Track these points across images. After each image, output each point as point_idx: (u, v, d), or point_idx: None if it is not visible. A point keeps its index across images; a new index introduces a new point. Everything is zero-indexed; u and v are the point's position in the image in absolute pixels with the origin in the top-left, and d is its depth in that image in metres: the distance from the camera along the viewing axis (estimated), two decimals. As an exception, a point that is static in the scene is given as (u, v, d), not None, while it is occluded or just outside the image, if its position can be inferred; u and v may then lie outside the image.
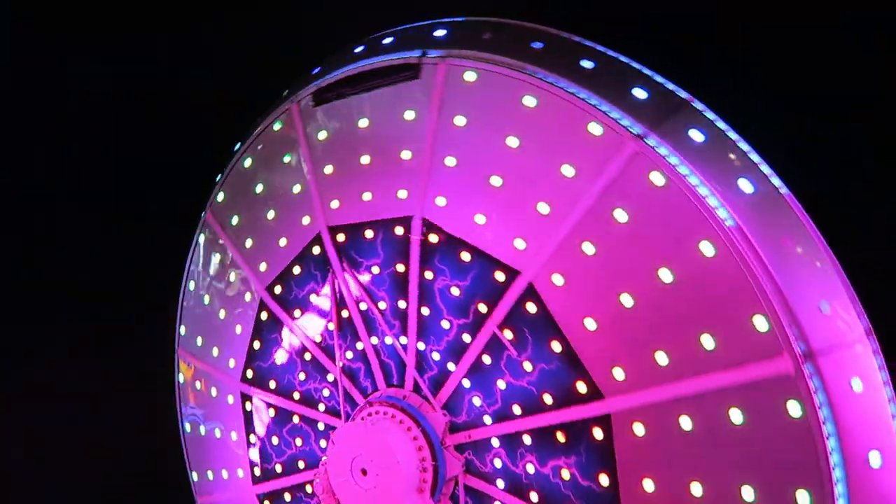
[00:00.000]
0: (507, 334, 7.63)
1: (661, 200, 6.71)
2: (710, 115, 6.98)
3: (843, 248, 6.51)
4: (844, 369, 6.30)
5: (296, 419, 9.55)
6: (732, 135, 6.89)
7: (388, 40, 8.66)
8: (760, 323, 6.31)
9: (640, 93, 7.09)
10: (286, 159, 9.24)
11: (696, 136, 6.85)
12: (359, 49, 8.81)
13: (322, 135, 8.91)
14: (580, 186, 7.09)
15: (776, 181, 6.71)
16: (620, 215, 6.89)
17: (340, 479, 8.17)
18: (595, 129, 6.98)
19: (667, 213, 6.69)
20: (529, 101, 7.36)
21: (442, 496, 8.23)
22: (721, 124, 6.93)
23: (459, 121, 7.80)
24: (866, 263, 6.68)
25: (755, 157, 6.78)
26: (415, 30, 8.54)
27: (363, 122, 8.54)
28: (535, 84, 7.32)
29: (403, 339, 8.43)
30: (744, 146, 6.84)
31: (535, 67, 7.42)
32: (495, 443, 7.95)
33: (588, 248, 7.09)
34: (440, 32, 8.25)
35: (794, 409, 6.21)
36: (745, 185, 6.68)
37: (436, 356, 8.24)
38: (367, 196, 8.55)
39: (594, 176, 7.01)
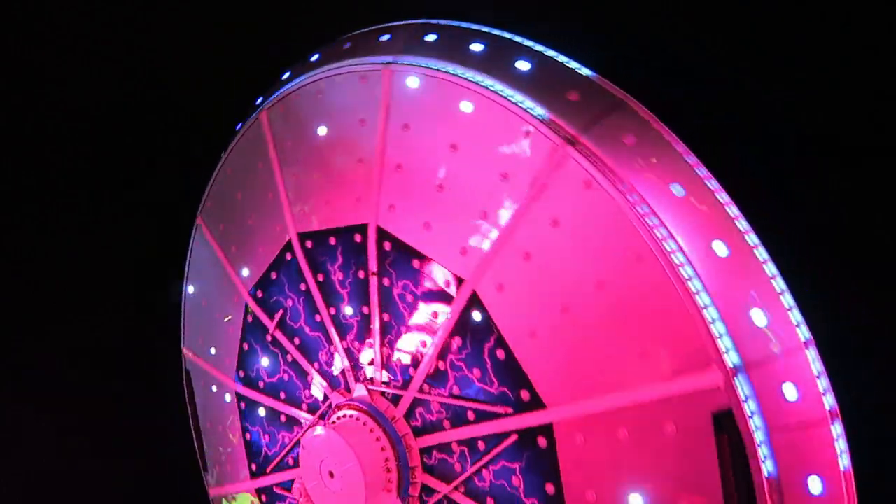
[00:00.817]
0: (458, 341, 7.62)
1: (592, 208, 6.50)
2: (646, 115, 6.65)
3: (781, 251, 6.14)
4: (777, 380, 5.99)
5: (283, 418, 9.84)
6: (669, 136, 6.55)
7: (346, 45, 8.63)
8: (691, 334, 6.07)
9: (573, 94, 6.84)
10: (260, 166, 9.40)
11: (628, 139, 6.56)
12: (314, 58, 8.83)
13: (289, 143, 9.03)
14: (516, 193, 6.95)
15: (711, 184, 6.37)
16: (555, 223, 6.73)
17: (312, 483, 8.41)
18: (528, 133, 6.81)
19: (598, 221, 6.48)
20: (466, 106, 7.23)
21: (410, 497, 8.35)
22: (656, 125, 6.59)
23: (405, 128, 7.74)
24: (804, 268, 6.27)
25: (691, 159, 6.44)
26: (363, 36, 8.48)
27: (322, 130, 8.60)
28: (470, 88, 7.17)
29: (369, 344, 8.53)
30: (679, 147, 6.50)
31: (472, 70, 7.28)
32: (455, 447, 7.97)
33: (526, 257, 6.95)
34: (385, 38, 8.16)
35: (726, 421, 5.98)
36: (678, 189, 6.37)
37: (398, 360, 8.30)
38: (328, 203, 8.64)
39: (528, 183, 6.85)
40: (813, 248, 6.79)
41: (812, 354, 6.04)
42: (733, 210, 6.25)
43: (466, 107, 7.22)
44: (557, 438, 6.97)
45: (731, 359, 5.96)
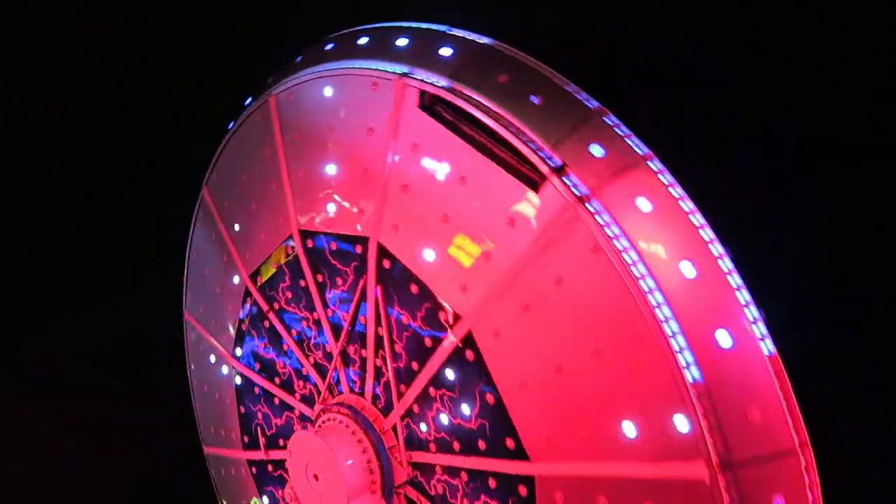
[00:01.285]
0: (450, 374, 7.47)
1: (597, 274, 6.16)
2: (665, 178, 6.19)
3: (787, 345, 5.83)
4: (768, 485, 5.80)
5: (276, 401, 9.89)
6: (686, 205, 6.11)
7: (362, 41, 8.09)
8: (681, 423, 5.85)
9: (597, 150, 6.36)
10: (266, 154, 9.05)
11: (643, 204, 6.14)
12: (328, 47, 8.31)
13: (296, 136, 8.64)
14: (522, 241, 6.61)
15: (724, 264, 5.98)
16: (558, 282, 6.41)
17: (300, 485, 8.51)
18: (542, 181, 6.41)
19: (599, 286, 6.16)
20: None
21: (396, 497, 8.43)
22: (674, 191, 6.15)
23: (414, 148, 7.33)
24: (809, 363, 5.96)
25: (700, 220, 6.05)
26: (380, 34, 7.92)
27: (330, 130, 8.18)
28: (484, 122, 6.71)
29: (362, 353, 8.42)
30: (697, 219, 6.08)
31: (488, 99, 6.79)
32: (438, 470, 7.97)
33: (525, 308, 6.68)
34: (401, 41, 7.61)
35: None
36: (687, 269, 6.00)
37: (389, 375, 8.19)
38: (332, 207, 8.33)
39: (536, 233, 6.50)
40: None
41: (806, 459, 5.81)
42: (744, 296, 5.90)
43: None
44: (538, 492, 6.90)
45: (720, 455, 5.76)
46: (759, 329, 5.90)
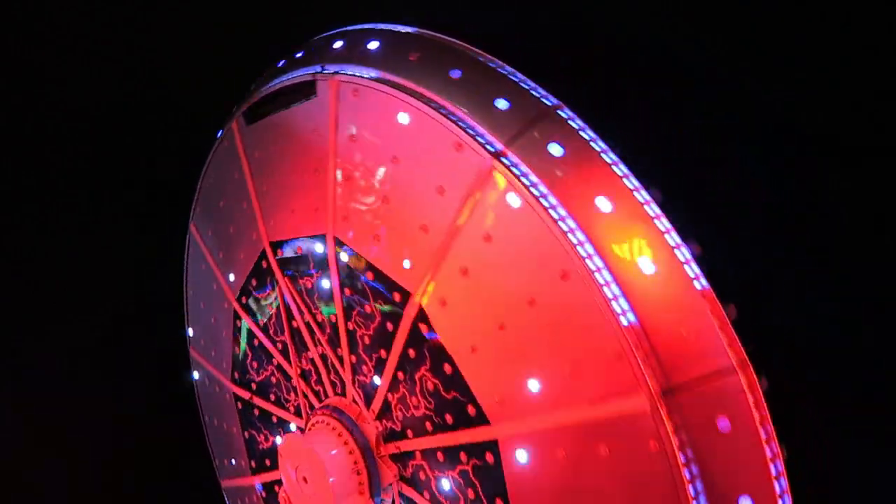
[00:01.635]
0: (412, 353, 7.58)
1: (520, 224, 6.28)
2: (576, 123, 6.33)
3: (714, 267, 5.79)
4: (711, 406, 5.70)
5: (274, 419, 10.08)
6: (597, 146, 6.22)
7: (299, 54, 8.56)
8: (616, 356, 5.84)
9: (502, 103, 6.57)
10: (236, 175, 9.50)
11: (555, 149, 6.28)
12: (280, 64, 8.79)
13: (257, 153, 9.07)
14: (450, 207, 6.79)
15: (640, 195, 6.03)
16: (487, 238, 6.55)
17: (293, 489, 8.61)
18: (458, 146, 6.61)
19: (525, 238, 6.27)
20: (403, 117, 7.07)
21: (383, 501, 8.44)
22: (585, 134, 6.27)
23: (352, 139, 7.65)
24: (740, 281, 5.88)
25: (620, 170, 6.12)
26: (319, 42, 8.37)
27: (282, 139, 8.60)
28: (404, 100, 7.00)
29: (339, 352, 8.59)
30: (608, 158, 6.18)
31: (407, 80, 7.10)
32: (418, 456, 7.99)
33: (463, 272, 6.81)
34: (338, 44, 8.03)
35: (655, 448, 5.76)
36: (604, 204, 6.07)
37: (364, 370, 8.34)
38: (293, 212, 8.66)
39: (461, 197, 6.67)
40: (743, 258, 6.38)
41: (748, 377, 5.70)
42: (663, 223, 5.92)
43: (403, 118, 7.05)
44: (502, 455, 6.88)
45: (659, 383, 5.70)
46: (683, 253, 5.89)
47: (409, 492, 8.20)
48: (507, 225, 6.37)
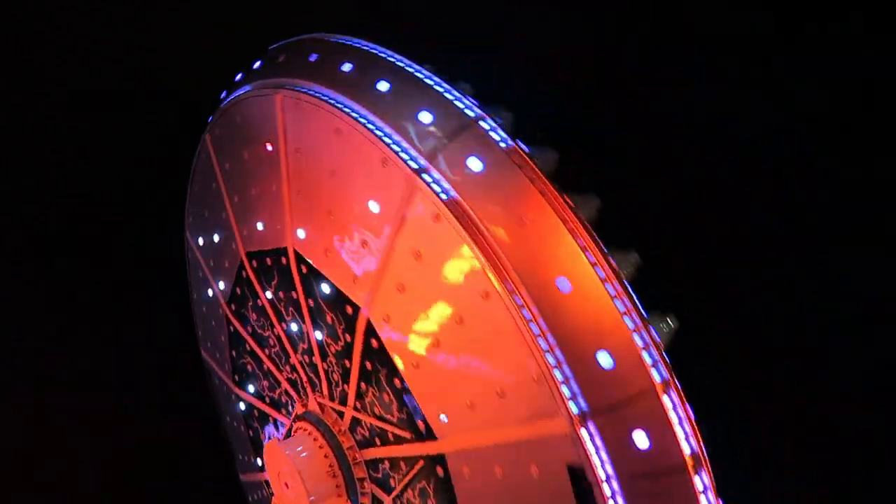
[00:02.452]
0: (369, 366, 7.58)
1: (443, 242, 6.14)
2: (497, 135, 6.09)
3: (637, 285, 5.52)
4: (629, 426, 5.48)
5: (271, 420, 10.31)
6: (517, 159, 5.98)
7: (256, 65, 8.53)
8: (538, 379, 5.68)
9: (426, 116, 6.38)
10: (214, 186, 9.63)
11: (474, 164, 6.07)
12: (238, 77, 8.80)
13: (228, 165, 9.16)
14: (384, 224, 6.70)
15: (561, 212, 5.77)
16: (417, 256, 6.44)
17: (279, 493, 8.83)
18: (384, 161, 6.50)
19: (449, 257, 6.13)
20: (338, 131, 6.97)
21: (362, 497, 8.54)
22: (505, 145, 6.03)
23: (297, 152, 7.62)
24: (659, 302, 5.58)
25: (539, 186, 5.86)
26: (272, 53, 8.32)
27: (246, 153, 8.64)
28: (336, 114, 6.91)
29: (315, 360, 8.67)
30: (529, 174, 5.93)
31: (339, 93, 6.99)
32: (387, 464, 8.03)
33: (400, 288, 6.74)
34: (282, 58, 7.96)
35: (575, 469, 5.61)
36: (524, 222, 5.84)
37: (336, 378, 8.40)
38: (261, 225, 8.73)
39: (391, 214, 6.58)
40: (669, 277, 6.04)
41: (670, 398, 5.44)
42: (579, 242, 5.66)
43: (337, 133, 6.96)
44: (451, 469, 6.83)
45: (578, 405, 5.52)
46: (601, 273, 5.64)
47: (381, 495, 8.28)
48: (433, 242, 6.25)
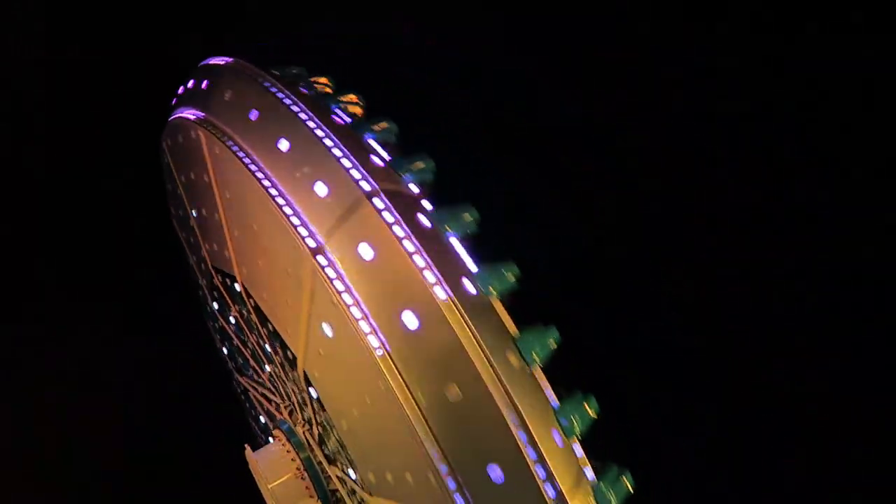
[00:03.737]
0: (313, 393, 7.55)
1: (337, 323, 5.90)
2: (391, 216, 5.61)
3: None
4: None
5: (271, 425, 10.55)
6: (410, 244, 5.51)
7: (190, 85, 8.03)
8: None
9: (321, 188, 5.91)
10: (178, 192, 9.37)
11: (366, 251, 5.65)
12: (173, 101, 8.37)
13: (183, 176, 8.88)
14: (298, 289, 6.43)
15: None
16: (329, 327, 6.19)
17: (264, 493, 9.20)
18: (285, 232, 6.16)
19: (343, 340, 5.87)
20: (252, 188, 6.57)
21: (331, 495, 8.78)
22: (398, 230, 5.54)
23: (231, 199, 7.33)
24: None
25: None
26: (199, 77, 7.78)
27: (193, 174, 8.32)
28: (250, 170, 6.51)
29: (285, 376, 8.70)
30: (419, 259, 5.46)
31: (246, 143, 6.59)
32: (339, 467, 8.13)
33: (317, 354, 6.56)
34: (204, 84, 7.47)
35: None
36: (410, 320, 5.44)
37: (302, 399, 8.42)
38: (218, 247, 8.55)
39: (301, 283, 6.29)
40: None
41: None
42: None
43: (252, 189, 6.57)
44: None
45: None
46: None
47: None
48: (333, 322, 5.99)
